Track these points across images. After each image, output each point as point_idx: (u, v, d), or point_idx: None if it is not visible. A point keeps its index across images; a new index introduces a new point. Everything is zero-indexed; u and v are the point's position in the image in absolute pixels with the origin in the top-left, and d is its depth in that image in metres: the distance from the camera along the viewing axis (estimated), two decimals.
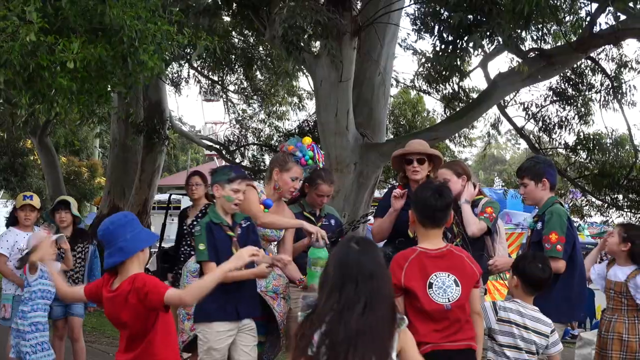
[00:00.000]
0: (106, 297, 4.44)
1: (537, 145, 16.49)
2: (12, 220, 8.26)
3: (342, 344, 3.30)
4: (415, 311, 4.57)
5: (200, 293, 4.44)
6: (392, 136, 18.88)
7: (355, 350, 3.29)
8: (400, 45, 17.43)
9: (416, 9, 13.14)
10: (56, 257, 7.71)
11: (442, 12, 10.80)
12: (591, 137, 15.99)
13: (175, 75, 19.62)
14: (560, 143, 16.64)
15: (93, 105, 7.92)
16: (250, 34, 16.88)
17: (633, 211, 15.79)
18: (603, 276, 6.82)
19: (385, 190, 8.37)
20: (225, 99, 21.01)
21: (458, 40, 10.50)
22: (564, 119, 16.37)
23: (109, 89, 7.92)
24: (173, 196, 21.29)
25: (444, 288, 4.54)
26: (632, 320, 6.45)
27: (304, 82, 20.98)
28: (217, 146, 19.74)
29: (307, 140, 6.70)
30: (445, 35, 10.66)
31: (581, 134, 16.19)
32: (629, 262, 6.58)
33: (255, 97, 20.40)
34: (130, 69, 7.11)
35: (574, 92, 15.86)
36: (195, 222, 8.59)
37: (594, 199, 16.97)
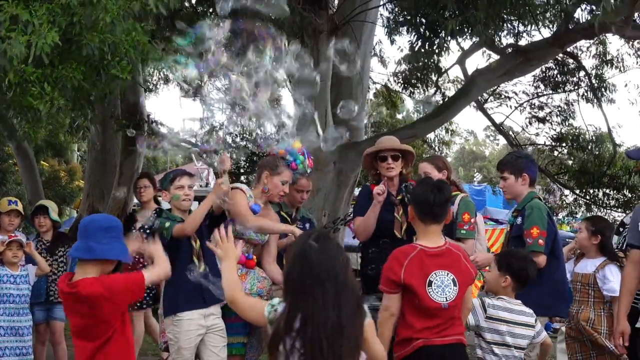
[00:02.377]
0: (65, 293, 4.41)
1: (515, 141, 16.57)
2: None
3: (317, 343, 3.32)
4: (412, 307, 4.61)
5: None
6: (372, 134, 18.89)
7: (331, 348, 3.31)
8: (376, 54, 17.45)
9: (392, 9, 13.13)
10: (27, 260, 7.66)
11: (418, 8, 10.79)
12: (571, 133, 16.10)
13: (155, 78, 19.49)
14: (540, 139, 16.74)
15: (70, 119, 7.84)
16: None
17: (619, 210, 15.86)
18: (572, 272, 6.89)
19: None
20: (203, 104, 20.88)
21: (434, 37, 10.52)
22: (544, 115, 16.47)
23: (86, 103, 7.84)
24: None
25: (442, 287, 4.57)
26: (598, 312, 6.51)
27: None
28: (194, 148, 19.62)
29: (297, 144, 6.66)
30: (422, 30, 10.67)
31: (562, 130, 16.30)
32: (599, 255, 6.63)
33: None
34: (102, 83, 7.05)
35: (556, 85, 15.92)
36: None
37: (577, 196, 17.06)
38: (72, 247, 4.51)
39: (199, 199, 6.28)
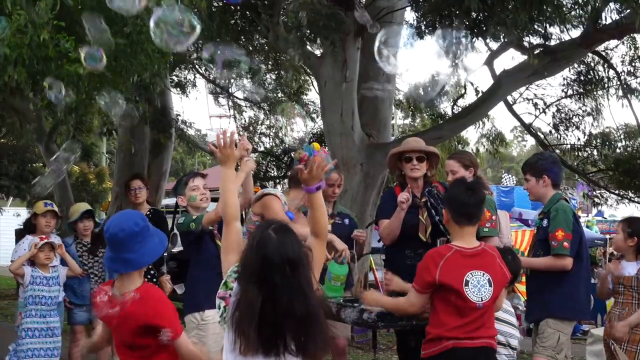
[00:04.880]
0: (109, 315, 4.32)
1: (545, 141, 16.45)
2: (29, 228, 8.20)
3: (279, 331, 3.35)
4: (446, 305, 4.63)
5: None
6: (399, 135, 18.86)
7: (281, 333, 3.35)
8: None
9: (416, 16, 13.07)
10: (60, 262, 7.72)
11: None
12: (600, 134, 15.96)
13: (183, 78, 19.54)
14: (571, 139, 16.59)
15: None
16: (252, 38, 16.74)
17: None
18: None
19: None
20: (231, 105, 20.97)
21: (462, 38, 10.46)
22: (574, 116, 16.34)
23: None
24: None
25: (478, 287, 4.58)
26: None
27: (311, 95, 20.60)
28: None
29: (317, 146, 6.62)
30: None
31: (592, 130, 16.18)
32: (637, 257, 6.53)
33: (263, 104, 20.24)
34: (141, 60, 7.11)
35: (585, 87, 15.77)
36: None
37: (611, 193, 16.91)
38: (105, 258, 4.50)
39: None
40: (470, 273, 4.59)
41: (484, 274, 4.61)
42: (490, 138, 18.37)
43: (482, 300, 4.57)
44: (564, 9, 11.11)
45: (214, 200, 6.42)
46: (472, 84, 16.59)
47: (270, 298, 3.34)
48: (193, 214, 6.04)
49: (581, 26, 12.34)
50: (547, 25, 11.62)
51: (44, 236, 7.73)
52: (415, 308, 4.83)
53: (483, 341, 4.63)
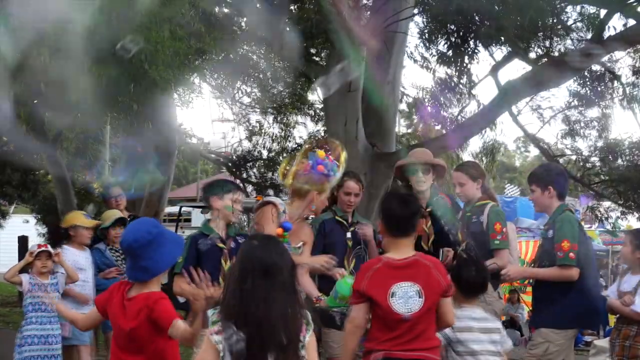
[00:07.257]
0: (119, 303, 4.43)
1: (550, 152, 16.41)
2: (61, 237, 8.19)
3: (247, 334, 3.41)
4: (376, 319, 4.63)
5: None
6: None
7: (261, 341, 3.42)
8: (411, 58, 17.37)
9: (423, 19, 13.09)
10: (52, 270, 7.70)
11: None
12: (606, 146, 15.94)
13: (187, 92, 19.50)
14: (575, 150, 16.58)
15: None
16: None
17: None
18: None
19: None
20: (236, 112, 20.96)
21: (465, 45, 10.48)
22: (579, 127, 16.33)
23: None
24: (183, 209, 21.30)
25: (405, 298, 4.53)
26: None
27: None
28: (224, 160, 19.71)
29: (322, 153, 6.60)
30: (452, 39, 10.62)
31: (598, 141, 16.16)
32: None
33: (268, 110, 20.19)
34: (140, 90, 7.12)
35: (591, 97, 15.75)
36: None
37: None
38: (127, 268, 4.55)
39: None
40: (398, 284, 4.55)
41: (413, 285, 4.56)
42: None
43: (410, 311, 4.52)
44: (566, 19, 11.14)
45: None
46: (474, 95, 16.64)
47: (244, 301, 3.43)
48: (214, 224, 5.97)
49: (584, 38, 12.35)
50: (552, 38, 11.63)
51: (42, 243, 7.74)
52: (356, 322, 4.68)
53: (418, 353, 4.56)
